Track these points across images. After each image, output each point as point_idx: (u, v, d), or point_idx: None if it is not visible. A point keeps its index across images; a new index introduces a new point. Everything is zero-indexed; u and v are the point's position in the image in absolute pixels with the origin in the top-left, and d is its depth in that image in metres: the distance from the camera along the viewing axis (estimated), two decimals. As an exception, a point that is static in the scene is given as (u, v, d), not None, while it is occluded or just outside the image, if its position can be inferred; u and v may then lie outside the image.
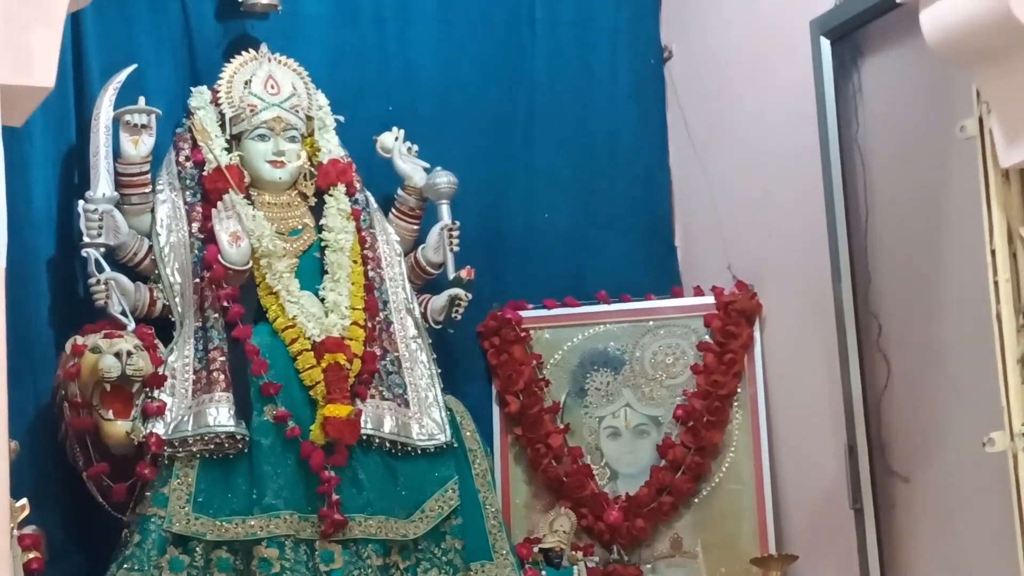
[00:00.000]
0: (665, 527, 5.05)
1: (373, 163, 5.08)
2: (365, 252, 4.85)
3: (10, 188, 3.26)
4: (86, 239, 4.48)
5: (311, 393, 4.54)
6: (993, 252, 3.55)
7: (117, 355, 4.30)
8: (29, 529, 3.94)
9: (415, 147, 5.06)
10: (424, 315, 4.96)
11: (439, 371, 4.87)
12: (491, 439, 5.10)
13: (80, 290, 4.63)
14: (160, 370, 4.45)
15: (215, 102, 4.82)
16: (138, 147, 4.61)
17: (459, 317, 4.99)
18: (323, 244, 4.78)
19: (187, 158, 4.74)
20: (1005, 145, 3.43)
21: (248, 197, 4.73)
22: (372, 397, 4.64)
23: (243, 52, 4.91)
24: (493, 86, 5.44)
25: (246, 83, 4.82)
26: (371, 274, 4.83)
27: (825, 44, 4.70)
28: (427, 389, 4.80)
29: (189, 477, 4.41)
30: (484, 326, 5.21)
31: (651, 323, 5.21)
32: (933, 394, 4.35)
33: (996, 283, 3.53)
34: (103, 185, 4.53)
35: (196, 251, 4.64)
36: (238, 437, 4.43)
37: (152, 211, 4.69)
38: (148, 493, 4.40)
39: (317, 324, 4.61)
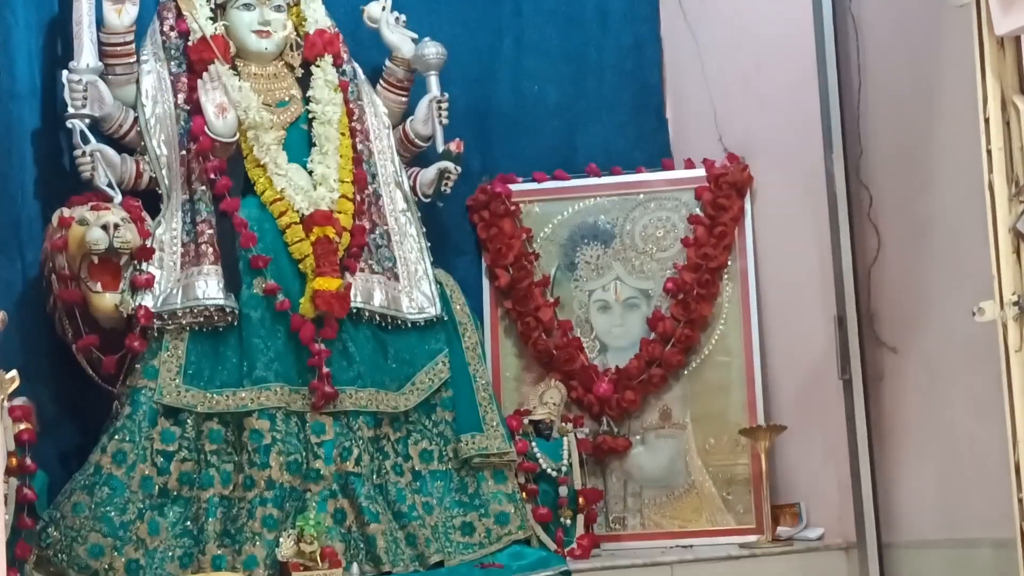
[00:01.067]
0: (655, 399, 5.07)
1: (360, 34, 5.02)
2: (353, 124, 4.80)
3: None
4: (71, 110, 4.44)
5: (300, 266, 4.52)
6: (987, 120, 3.52)
7: (104, 227, 4.28)
8: (19, 401, 3.95)
9: (403, 17, 5.00)
10: (413, 188, 4.93)
11: (429, 245, 4.85)
12: (481, 312, 5.09)
13: (66, 162, 4.59)
14: (148, 243, 4.43)
15: (199, -30, 4.75)
16: (121, 16, 4.55)
17: (448, 190, 4.95)
18: (310, 116, 4.73)
19: (171, 28, 4.67)
20: (1000, 12, 3.39)
21: (234, 68, 4.67)
22: (362, 271, 4.62)
23: (227, -81, 4.82)
24: (482, -46, 5.38)
25: (230, -49, 4.75)
26: (359, 147, 4.78)
27: (819, -90, 4.64)
28: (417, 263, 4.79)
29: (179, 349, 4.42)
30: (474, 199, 5.18)
31: (641, 196, 5.19)
32: (923, 265, 4.35)
33: (989, 152, 3.52)
34: (87, 55, 4.48)
35: (182, 123, 4.59)
36: (227, 310, 4.43)
37: (137, 82, 4.63)
38: (138, 365, 4.40)
39: (305, 197, 4.59)
